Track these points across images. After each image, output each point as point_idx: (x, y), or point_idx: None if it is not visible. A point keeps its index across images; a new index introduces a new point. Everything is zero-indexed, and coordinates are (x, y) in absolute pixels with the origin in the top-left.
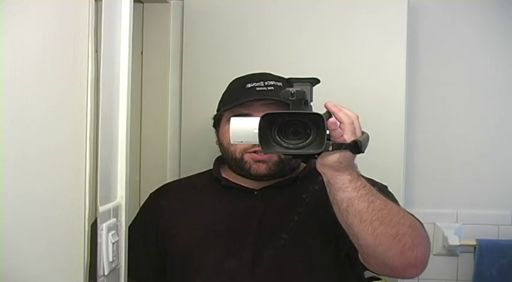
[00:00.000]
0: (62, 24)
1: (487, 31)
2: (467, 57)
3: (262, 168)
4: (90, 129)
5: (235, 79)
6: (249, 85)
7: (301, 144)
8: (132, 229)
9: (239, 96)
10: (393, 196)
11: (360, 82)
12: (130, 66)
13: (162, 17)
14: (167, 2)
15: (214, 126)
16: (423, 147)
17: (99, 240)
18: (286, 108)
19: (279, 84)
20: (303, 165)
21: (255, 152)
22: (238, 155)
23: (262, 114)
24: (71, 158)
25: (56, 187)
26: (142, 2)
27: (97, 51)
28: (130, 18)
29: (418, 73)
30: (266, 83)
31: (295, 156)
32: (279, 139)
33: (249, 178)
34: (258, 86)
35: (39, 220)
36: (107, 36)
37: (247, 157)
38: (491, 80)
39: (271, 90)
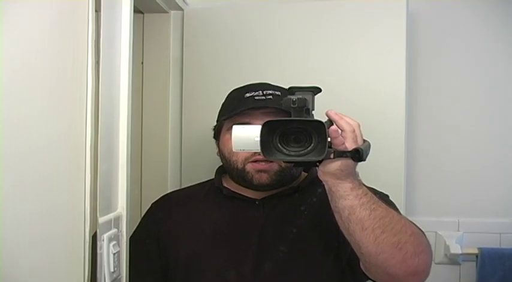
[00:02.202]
0: (61, 34)
1: (487, 36)
2: (467, 64)
3: (263, 178)
4: (91, 139)
5: (234, 89)
6: (247, 94)
7: (302, 152)
8: (134, 239)
9: (238, 105)
10: (395, 205)
11: (360, 90)
12: (131, 77)
13: (162, 27)
14: (167, 12)
15: (214, 137)
16: (424, 155)
17: (99, 251)
18: (285, 117)
19: (278, 93)
20: (303, 175)
21: (256, 160)
22: (240, 166)
23: (261, 122)
24: (71, 169)
25: (56, 198)
26: (142, 13)
27: (98, 62)
28: (130, 28)
29: (418, 80)
30: (265, 92)
31: (296, 163)
32: (280, 146)
33: (250, 188)
34: (256, 96)
35: (39, 231)
36: (107, 46)
37: (249, 167)
38: (492, 86)
39: (270, 99)
